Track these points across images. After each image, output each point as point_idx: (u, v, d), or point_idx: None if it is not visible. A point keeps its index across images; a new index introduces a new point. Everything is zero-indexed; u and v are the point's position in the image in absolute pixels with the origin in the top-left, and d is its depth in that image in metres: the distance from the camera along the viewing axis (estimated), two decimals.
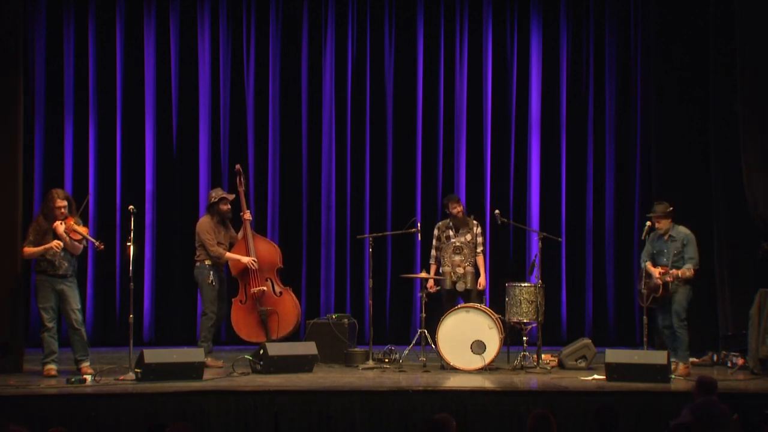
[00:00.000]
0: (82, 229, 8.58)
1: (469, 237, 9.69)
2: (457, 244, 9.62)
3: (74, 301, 8.53)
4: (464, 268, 9.54)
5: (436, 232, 9.86)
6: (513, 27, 11.67)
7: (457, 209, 9.72)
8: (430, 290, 9.51)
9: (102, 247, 8.56)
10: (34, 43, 11.09)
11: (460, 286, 9.52)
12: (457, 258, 9.58)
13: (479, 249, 9.71)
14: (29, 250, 8.49)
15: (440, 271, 9.69)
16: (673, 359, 8.63)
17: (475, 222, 9.79)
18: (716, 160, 10.37)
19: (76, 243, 8.52)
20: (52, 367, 8.38)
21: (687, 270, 8.68)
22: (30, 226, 8.66)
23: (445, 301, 9.61)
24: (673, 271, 8.68)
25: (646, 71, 11.35)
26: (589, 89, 11.65)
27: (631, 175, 11.56)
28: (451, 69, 11.65)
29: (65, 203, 8.51)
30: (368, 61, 11.63)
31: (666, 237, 8.95)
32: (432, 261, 9.82)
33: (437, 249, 9.79)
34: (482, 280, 9.65)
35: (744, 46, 9.70)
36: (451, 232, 9.74)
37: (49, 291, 8.44)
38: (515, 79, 11.66)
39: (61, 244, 8.38)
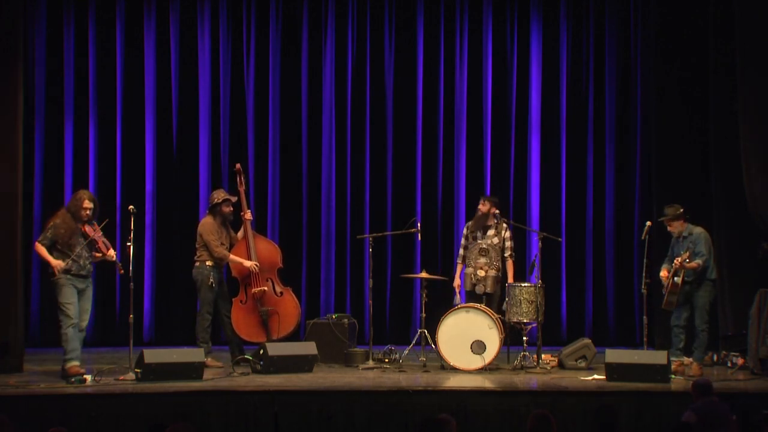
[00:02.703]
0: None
1: (496, 240, 9.54)
2: (484, 246, 9.50)
3: (89, 303, 8.54)
4: (486, 271, 9.43)
5: (465, 231, 9.74)
6: (513, 27, 11.67)
7: (483, 207, 9.56)
8: (457, 289, 9.50)
9: (122, 271, 8.63)
10: (34, 43, 11.10)
11: (479, 289, 9.38)
12: (481, 260, 9.46)
13: (507, 253, 9.58)
14: (39, 249, 8.36)
15: (464, 271, 9.59)
16: (674, 358, 8.63)
17: (504, 225, 9.64)
18: (716, 160, 10.37)
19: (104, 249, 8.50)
20: (74, 364, 8.27)
21: (694, 262, 8.68)
22: (50, 221, 8.46)
23: (467, 302, 9.46)
24: (677, 259, 8.67)
25: (646, 71, 11.35)
26: (589, 89, 11.65)
27: (631, 175, 11.56)
28: (451, 69, 11.64)
29: (91, 205, 8.46)
30: (368, 61, 11.63)
31: (681, 238, 8.97)
32: (459, 260, 9.70)
33: (464, 248, 9.67)
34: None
35: (744, 46, 9.69)
36: (479, 233, 9.62)
37: (72, 289, 8.35)
38: (515, 79, 11.66)
39: (63, 265, 8.30)
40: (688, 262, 8.63)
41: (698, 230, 8.96)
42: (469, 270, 9.50)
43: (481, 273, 9.41)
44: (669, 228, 9.01)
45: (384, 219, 11.56)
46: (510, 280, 9.52)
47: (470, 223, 9.77)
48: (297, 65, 11.55)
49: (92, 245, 8.45)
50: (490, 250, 9.50)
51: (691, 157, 10.68)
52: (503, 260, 9.58)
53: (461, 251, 9.71)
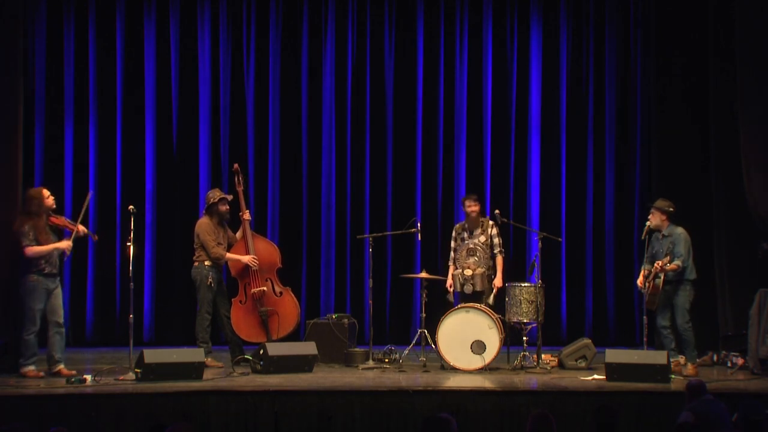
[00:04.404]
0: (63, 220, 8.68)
1: (483, 238, 9.53)
2: (471, 245, 9.51)
3: (60, 299, 8.55)
4: (473, 270, 9.42)
5: (453, 233, 9.76)
6: (513, 27, 11.67)
7: (472, 208, 9.58)
8: (449, 289, 9.51)
9: (96, 238, 8.98)
10: (34, 44, 11.10)
11: (467, 289, 9.38)
12: (470, 260, 9.46)
13: (496, 250, 9.55)
14: (37, 249, 8.31)
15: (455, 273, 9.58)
16: (673, 359, 8.64)
17: (490, 223, 9.61)
18: (716, 160, 10.37)
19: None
20: (32, 368, 8.33)
21: (673, 264, 8.71)
22: (24, 226, 8.35)
23: (460, 303, 9.43)
24: (658, 263, 8.71)
25: (646, 71, 11.36)
26: (589, 89, 11.65)
27: (631, 175, 11.56)
28: (451, 69, 11.64)
29: (49, 192, 8.55)
30: (368, 61, 11.62)
31: (661, 236, 9.01)
32: (450, 262, 9.71)
33: (454, 251, 9.69)
34: (497, 281, 9.48)
35: (744, 46, 9.69)
36: (466, 234, 9.62)
37: (44, 292, 8.37)
38: (515, 79, 11.66)
39: (71, 244, 8.35)
40: (669, 265, 8.68)
41: (679, 230, 8.98)
42: (458, 271, 9.51)
43: (468, 272, 9.40)
44: (650, 216, 9.06)
45: (384, 219, 11.56)
46: (499, 275, 9.51)
47: (458, 225, 9.80)
48: (297, 65, 11.55)
49: (62, 232, 8.54)
50: (478, 249, 9.51)
51: (691, 157, 10.68)
52: (493, 257, 9.57)
53: (452, 254, 9.72)
